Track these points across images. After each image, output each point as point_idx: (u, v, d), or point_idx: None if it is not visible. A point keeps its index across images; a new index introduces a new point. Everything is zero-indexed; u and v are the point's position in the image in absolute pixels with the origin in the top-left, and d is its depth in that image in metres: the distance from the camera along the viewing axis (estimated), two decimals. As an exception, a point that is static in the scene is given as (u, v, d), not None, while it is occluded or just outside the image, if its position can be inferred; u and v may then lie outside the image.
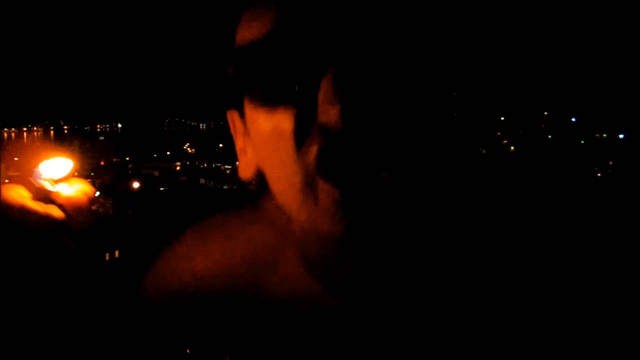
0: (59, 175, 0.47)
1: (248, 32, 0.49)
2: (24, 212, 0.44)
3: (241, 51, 0.49)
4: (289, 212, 0.51)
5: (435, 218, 0.55)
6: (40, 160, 0.47)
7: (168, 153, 60.76)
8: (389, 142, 0.45)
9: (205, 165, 51.53)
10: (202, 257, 0.61)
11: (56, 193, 0.45)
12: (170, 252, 0.64)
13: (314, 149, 0.45)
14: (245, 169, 0.57)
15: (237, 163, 0.59)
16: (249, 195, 0.61)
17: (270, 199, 0.55)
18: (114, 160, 53.00)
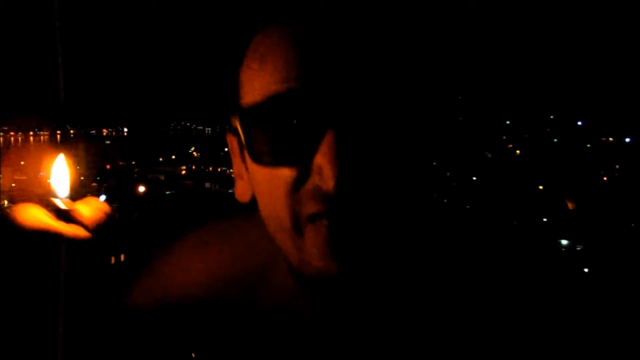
0: (65, 189, 0.47)
1: (252, 94, 0.51)
2: (45, 233, 0.43)
3: (246, 111, 0.51)
4: (280, 246, 0.53)
5: (427, 248, 0.57)
6: (46, 165, 0.46)
7: (173, 157, 60.81)
8: (382, 197, 0.48)
9: (211, 169, 51.57)
10: (198, 262, 0.62)
11: (76, 211, 0.46)
12: (167, 255, 0.65)
13: (307, 208, 0.47)
14: (243, 194, 0.59)
15: (235, 186, 0.60)
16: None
17: None
18: (120, 164, 53.09)
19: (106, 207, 0.49)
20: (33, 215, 0.43)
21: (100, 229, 0.47)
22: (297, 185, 0.48)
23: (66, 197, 0.46)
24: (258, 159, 0.50)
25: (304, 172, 0.47)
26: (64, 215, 0.45)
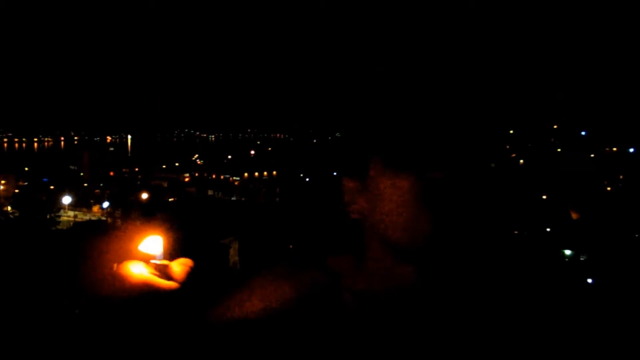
0: (159, 251, 0.63)
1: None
2: (148, 285, 0.59)
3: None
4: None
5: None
6: (147, 240, 0.63)
7: (177, 164, 61.01)
8: None
9: (214, 176, 51.64)
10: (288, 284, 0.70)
11: (170, 269, 0.62)
12: (263, 278, 0.73)
13: None
14: None
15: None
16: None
17: None
18: (123, 171, 53.26)
19: (190, 262, 0.63)
20: (139, 270, 0.60)
21: (184, 280, 0.61)
22: None
23: (162, 258, 0.62)
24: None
25: None
26: (161, 271, 0.61)
